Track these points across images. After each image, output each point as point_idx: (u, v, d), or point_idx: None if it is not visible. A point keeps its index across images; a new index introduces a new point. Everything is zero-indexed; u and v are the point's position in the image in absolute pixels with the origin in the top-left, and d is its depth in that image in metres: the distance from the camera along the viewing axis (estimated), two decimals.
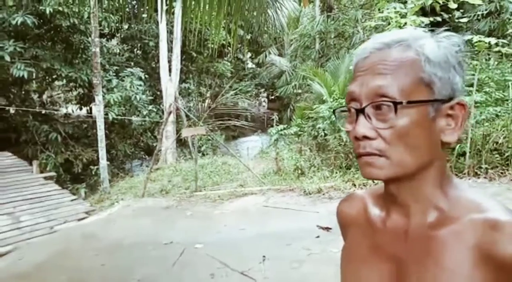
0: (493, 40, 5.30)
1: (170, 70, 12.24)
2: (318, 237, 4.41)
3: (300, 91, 14.50)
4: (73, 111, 14.44)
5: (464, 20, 7.42)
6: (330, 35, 14.62)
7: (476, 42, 5.28)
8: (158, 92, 13.61)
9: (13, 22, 9.29)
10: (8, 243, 5.02)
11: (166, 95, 11.88)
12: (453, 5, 5.88)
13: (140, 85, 11.97)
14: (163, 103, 12.52)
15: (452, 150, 5.79)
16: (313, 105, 8.51)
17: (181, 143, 13.09)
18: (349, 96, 0.65)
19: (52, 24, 10.62)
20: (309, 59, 14.93)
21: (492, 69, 7.21)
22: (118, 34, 15.05)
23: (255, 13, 3.69)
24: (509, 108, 6.19)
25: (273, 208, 5.75)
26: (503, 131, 5.76)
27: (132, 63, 13.97)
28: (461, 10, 7.04)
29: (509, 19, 8.83)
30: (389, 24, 6.16)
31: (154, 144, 11.86)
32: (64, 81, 11.98)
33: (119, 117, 11.24)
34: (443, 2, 5.90)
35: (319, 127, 7.65)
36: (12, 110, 11.57)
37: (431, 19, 6.22)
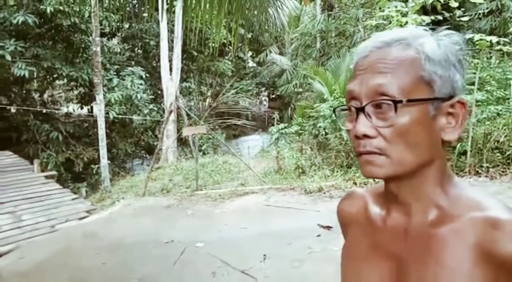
0: (494, 39, 5.29)
1: (171, 69, 12.24)
2: (319, 236, 4.41)
3: (301, 90, 14.49)
4: (74, 110, 14.46)
5: (466, 18, 7.39)
6: (331, 34, 14.61)
7: (478, 40, 5.27)
8: (159, 91, 13.63)
9: (14, 22, 9.31)
10: (9, 242, 5.02)
11: (167, 94, 11.89)
12: (454, 4, 5.86)
13: (141, 84, 11.99)
14: (164, 102, 12.53)
15: (453, 149, 5.78)
16: (314, 104, 8.51)
17: (182, 141, 13.10)
18: (349, 95, 0.65)
19: (53, 23, 10.63)
20: (310, 58, 14.93)
21: (493, 68, 7.21)
22: (119, 33, 15.06)
23: (256, 12, 3.69)
24: (511, 107, 6.18)
25: (274, 207, 5.75)
26: (504, 130, 5.75)
27: (133, 62, 13.98)
28: (462, 9, 7.01)
29: (511, 17, 8.82)
30: (390, 23, 6.14)
31: (155, 143, 11.88)
32: (65, 80, 11.98)
33: (120, 116, 11.25)
34: (444, 1, 5.87)
35: (320, 126, 7.65)
36: (13, 109, 11.60)
37: (432, 17, 6.21)
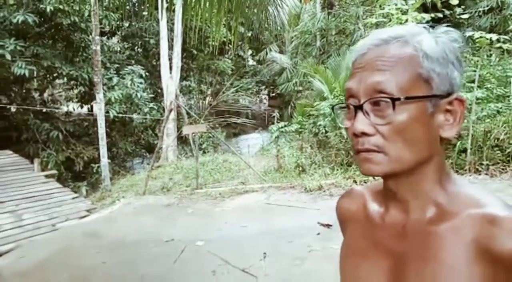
0: (494, 37, 5.29)
1: (170, 68, 12.23)
2: (319, 234, 4.42)
3: (301, 88, 14.48)
4: (74, 109, 14.46)
5: (466, 16, 7.40)
6: (331, 32, 14.59)
7: (478, 38, 5.27)
8: (159, 90, 13.61)
9: (14, 21, 9.30)
10: (10, 241, 5.03)
11: (167, 93, 11.87)
12: (454, 1, 5.87)
13: (141, 83, 11.98)
14: (164, 101, 12.51)
15: (453, 146, 5.79)
16: (314, 102, 8.51)
17: (182, 140, 13.10)
18: (347, 92, 0.65)
19: (53, 22, 10.62)
20: (310, 56, 14.91)
21: (493, 66, 7.20)
22: (119, 32, 15.04)
23: (255, 10, 3.69)
24: (511, 104, 6.18)
25: (274, 205, 5.76)
26: (505, 127, 5.75)
27: (133, 61, 13.96)
28: (462, 7, 7.03)
29: (511, 15, 8.81)
30: (390, 20, 6.14)
31: (155, 142, 11.89)
32: (65, 79, 11.97)
33: (120, 115, 11.25)
34: None
35: (320, 125, 7.65)
36: (13, 108, 11.59)
37: (432, 15, 6.20)
